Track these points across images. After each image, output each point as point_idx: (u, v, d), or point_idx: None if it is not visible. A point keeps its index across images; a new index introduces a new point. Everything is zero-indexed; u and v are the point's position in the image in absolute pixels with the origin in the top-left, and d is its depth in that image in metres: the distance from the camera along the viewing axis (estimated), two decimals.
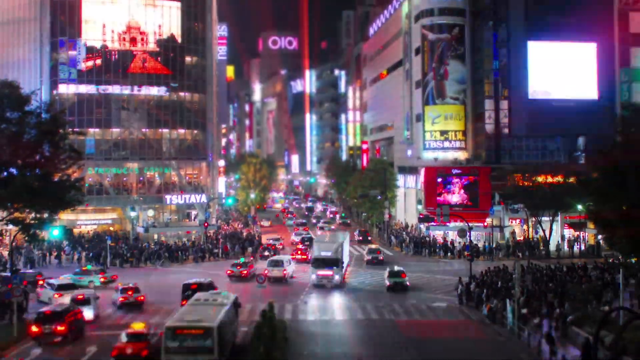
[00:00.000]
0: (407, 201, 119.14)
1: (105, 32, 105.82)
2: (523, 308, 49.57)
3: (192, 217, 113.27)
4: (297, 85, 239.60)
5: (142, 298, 57.63)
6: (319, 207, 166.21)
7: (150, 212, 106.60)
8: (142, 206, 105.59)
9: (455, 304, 58.52)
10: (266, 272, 70.24)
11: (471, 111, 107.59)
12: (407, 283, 65.55)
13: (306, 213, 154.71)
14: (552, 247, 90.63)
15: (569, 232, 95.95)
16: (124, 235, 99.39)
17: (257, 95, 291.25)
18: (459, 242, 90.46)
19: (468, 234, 74.71)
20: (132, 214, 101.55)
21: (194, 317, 38.99)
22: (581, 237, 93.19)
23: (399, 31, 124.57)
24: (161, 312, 54.96)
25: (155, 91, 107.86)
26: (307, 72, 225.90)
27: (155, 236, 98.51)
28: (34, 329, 44.11)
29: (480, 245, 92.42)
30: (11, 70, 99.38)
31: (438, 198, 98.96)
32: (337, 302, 60.43)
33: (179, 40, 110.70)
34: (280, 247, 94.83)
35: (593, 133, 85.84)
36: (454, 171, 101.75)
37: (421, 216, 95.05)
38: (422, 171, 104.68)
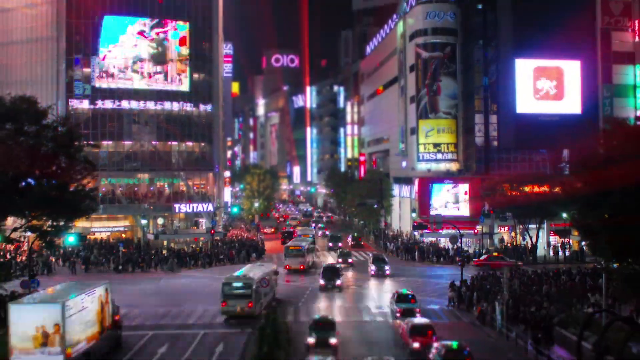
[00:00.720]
0: (402, 209, 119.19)
1: (117, 49, 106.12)
2: (511, 310, 49.68)
3: (200, 225, 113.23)
4: (298, 101, 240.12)
5: None
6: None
7: (160, 220, 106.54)
8: (153, 214, 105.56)
9: (448, 307, 58.67)
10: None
11: (462, 125, 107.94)
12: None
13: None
14: (539, 252, 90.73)
15: (554, 239, 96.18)
16: (137, 242, 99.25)
17: (260, 110, 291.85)
18: (452, 248, 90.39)
19: (459, 240, 74.85)
20: (143, 221, 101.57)
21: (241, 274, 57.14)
22: (566, 244, 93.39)
23: (394, 50, 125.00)
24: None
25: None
26: (308, 88, 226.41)
27: (165, 242, 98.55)
28: None
29: (471, 251, 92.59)
30: (30, 86, 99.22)
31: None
32: (336, 304, 60.52)
33: (188, 58, 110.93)
34: None
35: (577, 146, 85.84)
36: (446, 181, 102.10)
37: (415, 224, 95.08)
38: (416, 181, 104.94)
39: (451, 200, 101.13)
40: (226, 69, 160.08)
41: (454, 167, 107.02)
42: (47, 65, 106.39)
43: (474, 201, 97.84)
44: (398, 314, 51.35)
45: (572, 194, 56.52)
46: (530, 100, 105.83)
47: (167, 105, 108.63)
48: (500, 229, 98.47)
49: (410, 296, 54.39)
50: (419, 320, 46.32)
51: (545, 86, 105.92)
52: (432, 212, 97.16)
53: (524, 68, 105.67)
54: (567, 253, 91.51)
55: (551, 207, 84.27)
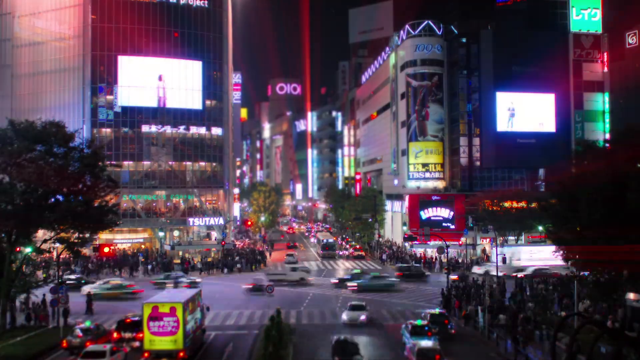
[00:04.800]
0: (394, 223, 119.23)
1: (137, 80, 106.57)
2: (492, 313, 49.72)
3: (212, 237, 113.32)
4: (300, 125, 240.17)
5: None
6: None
7: (176, 233, 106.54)
8: (169, 227, 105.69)
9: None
10: None
11: (448, 147, 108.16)
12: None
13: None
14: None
15: None
16: (159, 253, 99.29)
17: (266, 133, 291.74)
18: (440, 257, 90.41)
19: (445, 251, 74.91)
20: (161, 234, 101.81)
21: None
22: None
23: (387, 79, 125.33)
24: None
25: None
26: (309, 114, 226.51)
27: (180, 253, 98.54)
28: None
29: (460, 261, 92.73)
30: (58, 112, 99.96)
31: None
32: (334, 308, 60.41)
33: (201, 87, 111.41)
34: None
35: (551, 165, 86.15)
36: (434, 197, 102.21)
37: (406, 236, 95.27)
38: (407, 198, 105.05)
39: (438, 214, 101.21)
40: (235, 97, 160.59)
41: (440, 185, 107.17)
42: (73, 92, 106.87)
43: (459, 215, 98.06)
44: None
45: (547, 209, 56.59)
46: (509, 126, 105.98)
47: (182, 128, 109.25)
48: (482, 241, 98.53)
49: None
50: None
51: (523, 113, 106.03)
52: (421, 225, 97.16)
53: (504, 99, 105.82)
54: None
55: (528, 221, 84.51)
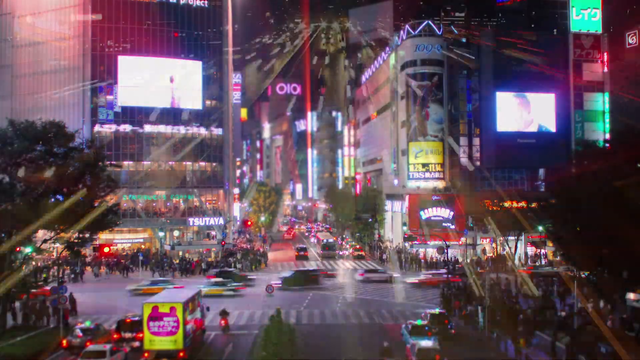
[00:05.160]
0: (394, 223, 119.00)
1: (137, 80, 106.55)
2: (492, 313, 49.69)
3: (212, 237, 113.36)
4: (300, 125, 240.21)
5: None
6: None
7: (176, 232, 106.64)
8: (169, 227, 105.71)
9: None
10: None
11: (448, 147, 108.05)
12: None
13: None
14: (517, 261, 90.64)
15: (531, 249, 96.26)
16: (159, 252, 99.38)
17: (266, 133, 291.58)
18: (441, 258, 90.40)
19: (445, 251, 74.94)
20: (161, 234, 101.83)
21: None
22: (542, 254, 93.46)
23: (387, 79, 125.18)
24: None
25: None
26: (309, 114, 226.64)
27: (180, 253, 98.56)
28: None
29: (461, 260, 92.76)
30: (58, 112, 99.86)
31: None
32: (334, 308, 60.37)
33: (201, 87, 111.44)
34: None
35: (551, 165, 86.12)
36: (434, 197, 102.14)
37: (406, 236, 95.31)
38: (407, 198, 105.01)
39: (438, 214, 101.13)
40: (235, 97, 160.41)
41: (440, 185, 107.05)
42: (73, 92, 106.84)
43: (459, 215, 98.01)
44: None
45: (547, 209, 56.58)
46: (509, 126, 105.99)
47: (182, 128, 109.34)
48: (482, 241, 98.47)
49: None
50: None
51: (523, 114, 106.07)
52: (421, 225, 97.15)
53: (504, 99, 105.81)
54: (543, 262, 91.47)
55: (528, 221, 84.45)
